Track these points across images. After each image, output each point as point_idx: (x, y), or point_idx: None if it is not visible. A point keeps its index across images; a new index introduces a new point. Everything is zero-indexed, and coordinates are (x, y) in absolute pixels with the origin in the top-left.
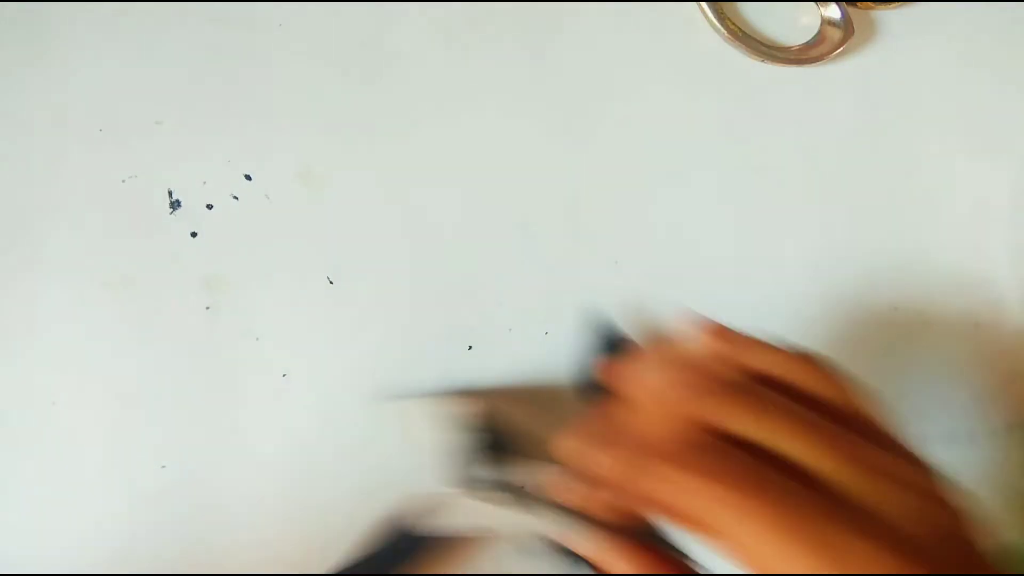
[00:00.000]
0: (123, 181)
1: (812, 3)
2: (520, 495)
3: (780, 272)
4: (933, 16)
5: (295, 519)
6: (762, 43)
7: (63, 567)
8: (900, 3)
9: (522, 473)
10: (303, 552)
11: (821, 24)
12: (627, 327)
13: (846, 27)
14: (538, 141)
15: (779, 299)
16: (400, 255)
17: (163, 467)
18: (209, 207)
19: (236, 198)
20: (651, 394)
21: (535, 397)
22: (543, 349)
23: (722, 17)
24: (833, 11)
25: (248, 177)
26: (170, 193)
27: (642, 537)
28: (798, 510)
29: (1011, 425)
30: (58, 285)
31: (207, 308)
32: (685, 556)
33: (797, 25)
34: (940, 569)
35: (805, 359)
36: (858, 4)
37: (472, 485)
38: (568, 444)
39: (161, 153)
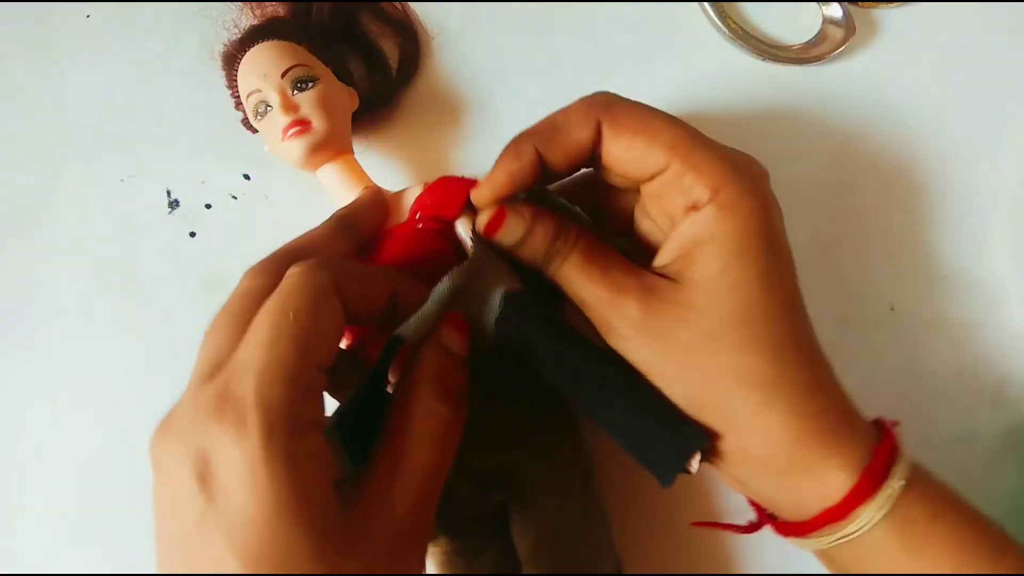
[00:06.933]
0: (122, 180)
1: (813, 2)
2: None
3: None
4: (934, 15)
5: None
6: (763, 42)
7: (62, 567)
8: (901, 2)
9: None
10: None
11: (822, 23)
12: None
13: (847, 26)
14: None
15: None
16: None
17: None
18: (208, 207)
19: (235, 198)
20: None
21: None
22: None
23: (724, 16)
24: (834, 10)
25: (247, 177)
26: (169, 192)
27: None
28: None
29: (1011, 425)
30: (57, 285)
31: (206, 308)
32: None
33: (798, 24)
34: None
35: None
36: (859, 3)
37: None
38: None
39: (160, 152)
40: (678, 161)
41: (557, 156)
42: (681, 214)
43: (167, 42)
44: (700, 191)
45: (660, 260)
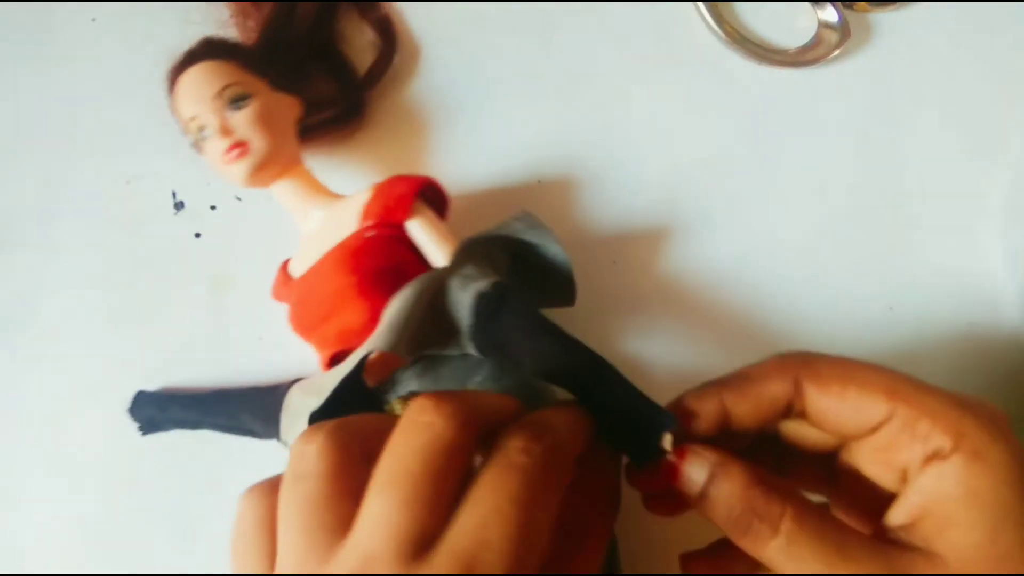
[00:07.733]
0: (127, 182)
1: (808, 5)
2: None
3: (774, 272)
4: (929, 18)
5: None
6: (759, 45)
7: (61, 567)
8: (896, 5)
9: None
10: None
11: (818, 27)
12: None
13: (843, 30)
14: (538, 143)
15: (773, 299)
16: None
17: (166, 468)
18: (213, 208)
19: (239, 199)
20: None
21: None
22: None
23: (720, 19)
24: (830, 14)
25: None
26: (174, 194)
27: None
28: None
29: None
30: (62, 286)
31: (211, 309)
32: None
33: (794, 28)
34: None
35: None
36: (854, 6)
37: None
38: None
39: (165, 154)
40: (905, 407)
41: (745, 409)
42: (918, 466)
43: (171, 44)
44: (940, 438)
45: (895, 519)
